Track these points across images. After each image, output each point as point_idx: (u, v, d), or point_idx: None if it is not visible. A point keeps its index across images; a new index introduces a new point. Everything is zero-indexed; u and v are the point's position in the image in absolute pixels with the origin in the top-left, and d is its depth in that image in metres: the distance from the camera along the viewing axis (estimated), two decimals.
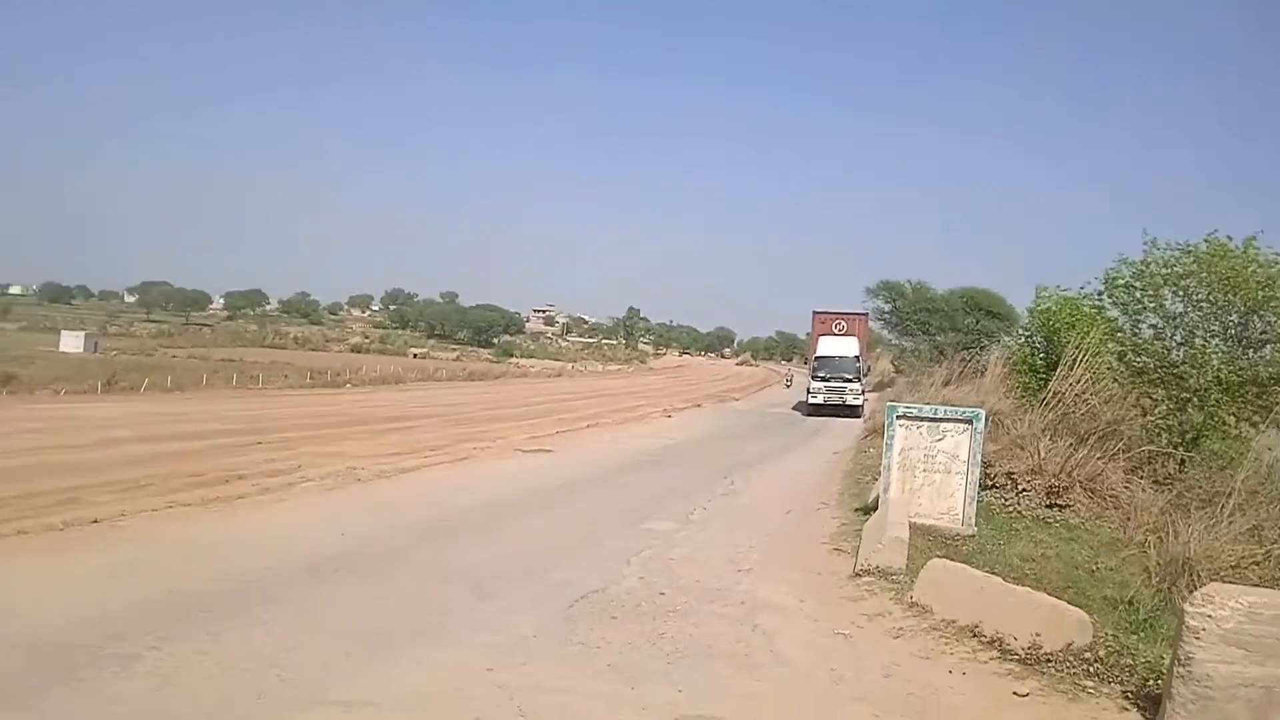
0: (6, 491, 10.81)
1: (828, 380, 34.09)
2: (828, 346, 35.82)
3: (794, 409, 37.22)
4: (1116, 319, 15.43)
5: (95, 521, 9.46)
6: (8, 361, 35.30)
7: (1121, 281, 14.86)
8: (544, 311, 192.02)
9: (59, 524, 9.21)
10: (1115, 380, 14.40)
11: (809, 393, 34.55)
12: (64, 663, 5.39)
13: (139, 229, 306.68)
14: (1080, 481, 11.75)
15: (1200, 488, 11.20)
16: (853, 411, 32.69)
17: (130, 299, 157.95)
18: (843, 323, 38.63)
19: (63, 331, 69.24)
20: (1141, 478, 12.50)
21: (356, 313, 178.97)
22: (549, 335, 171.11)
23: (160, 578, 7.51)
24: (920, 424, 10.69)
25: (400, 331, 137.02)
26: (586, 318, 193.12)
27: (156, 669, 5.38)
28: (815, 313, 39.25)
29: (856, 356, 35.28)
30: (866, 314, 45.42)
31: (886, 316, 56.46)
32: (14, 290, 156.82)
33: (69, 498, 10.67)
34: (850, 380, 34.05)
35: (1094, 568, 8.75)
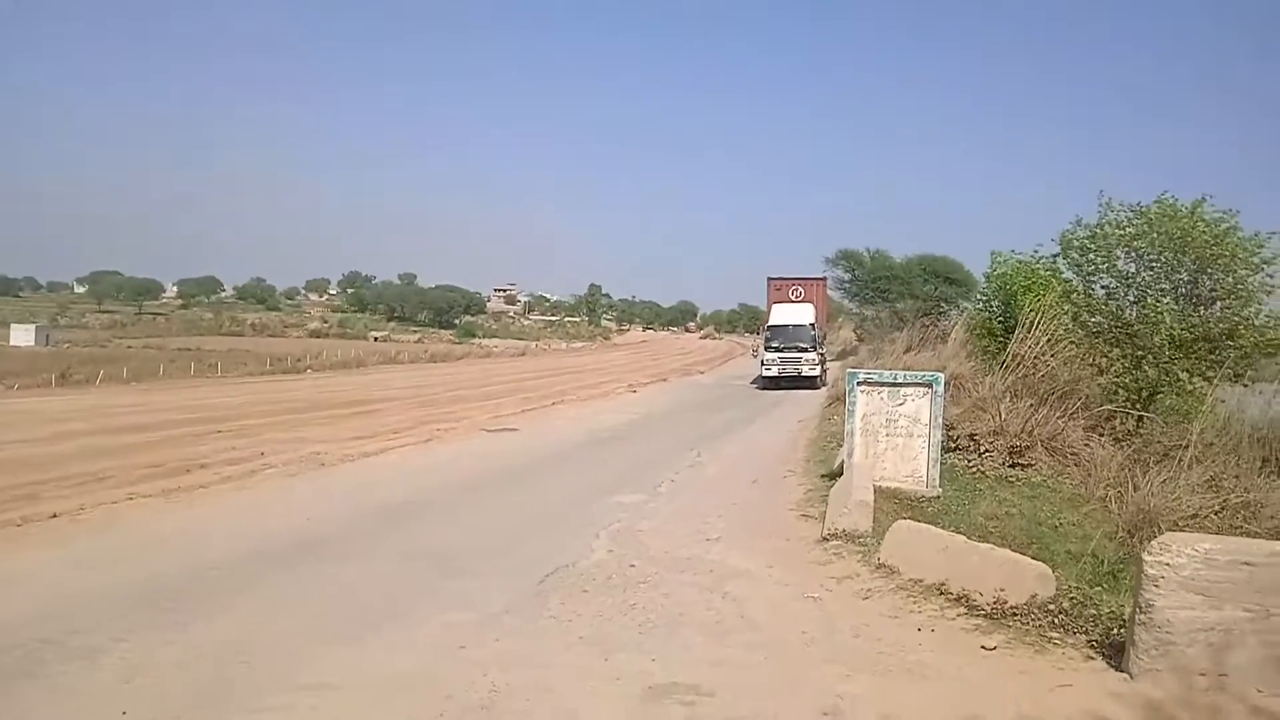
0: None
1: (781, 350, 32.36)
2: (781, 314, 33.97)
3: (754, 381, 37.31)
4: (1071, 281, 15.62)
5: (54, 516, 9.33)
6: None
7: (1076, 243, 15.03)
8: (505, 291, 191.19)
9: (17, 519, 9.07)
10: (1072, 341, 14.58)
11: (762, 365, 33.05)
12: (28, 658, 5.31)
13: (86, 218, 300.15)
14: (1041, 440, 11.91)
15: (1158, 442, 11.42)
16: (810, 383, 31.62)
17: (80, 290, 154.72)
18: (799, 288, 37.21)
19: (13, 325, 67.90)
20: (1101, 435, 12.71)
21: (314, 297, 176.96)
22: (511, 314, 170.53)
23: (123, 570, 7.42)
24: (881, 389, 10.77)
25: (359, 315, 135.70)
26: (548, 296, 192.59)
27: (124, 660, 5.31)
28: (770, 279, 37.99)
29: (812, 324, 33.31)
30: (825, 278, 42.82)
31: (846, 285, 56.82)
32: None
33: (26, 493, 10.49)
34: (806, 349, 32.34)
35: (1057, 523, 8.89)
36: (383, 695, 4.91)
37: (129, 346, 60.18)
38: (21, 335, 62.79)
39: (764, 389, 31.75)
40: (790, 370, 31.96)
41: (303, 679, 5.07)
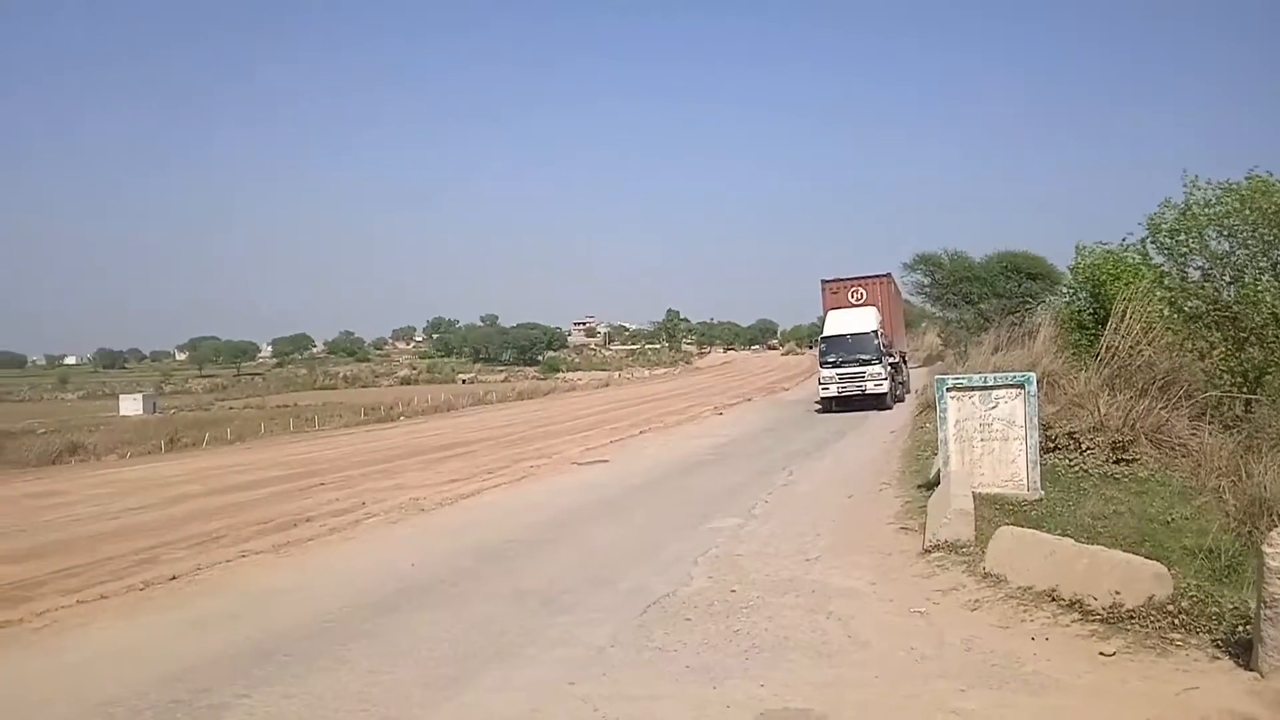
0: (85, 558, 11.15)
1: (839, 365, 27.69)
2: (838, 322, 29.04)
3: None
4: (1163, 265, 15.16)
5: (173, 578, 9.70)
6: (73, 430, 36.36)
7: (1165, 226, 14.60)
8: (584, 324, 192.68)
9: (139, 584, 9.47)
10: (1169, 328, 14.13)
11: (820, 384, 28.35)
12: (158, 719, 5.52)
13: (182, 288, 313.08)
14: (1145, 433, 11.55)
15: (1270, 427, 10.97)
16: (878, 401, 27.18)
17: (181, 356, 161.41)
18: (860, 289, 31.21)
19: (121, 395, 71.03)
20: (1208, 423, 12.25)
21: (401, 345, 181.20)
22: (592, 346, 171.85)
23: (241, 627, 7.69)
24: (972, 394, 10.58)
25: (446, 359, 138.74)
26: (627, 325, 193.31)
27: (250, 715, 5.51)
28: (824, 282, 31.75)
29: (877, 331, 28.14)
30: (889, 276, 34.20)
31: (927, 290, 55.82)
32: (69, 360, 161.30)
33: (146, 557, 10.95)
34: (870, 361, 27.42)
35: (1169, 519, 8.60)
36: None
37: (230, 408, 62.47)
38: (130, 405, 65.56)
39: (822, 412, 27.94)
40: (853, 389, 27.50)
41: None
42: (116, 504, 16.39)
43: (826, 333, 28.81)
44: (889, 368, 28.09)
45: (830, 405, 27.59)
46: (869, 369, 27.34)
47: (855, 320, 28.72)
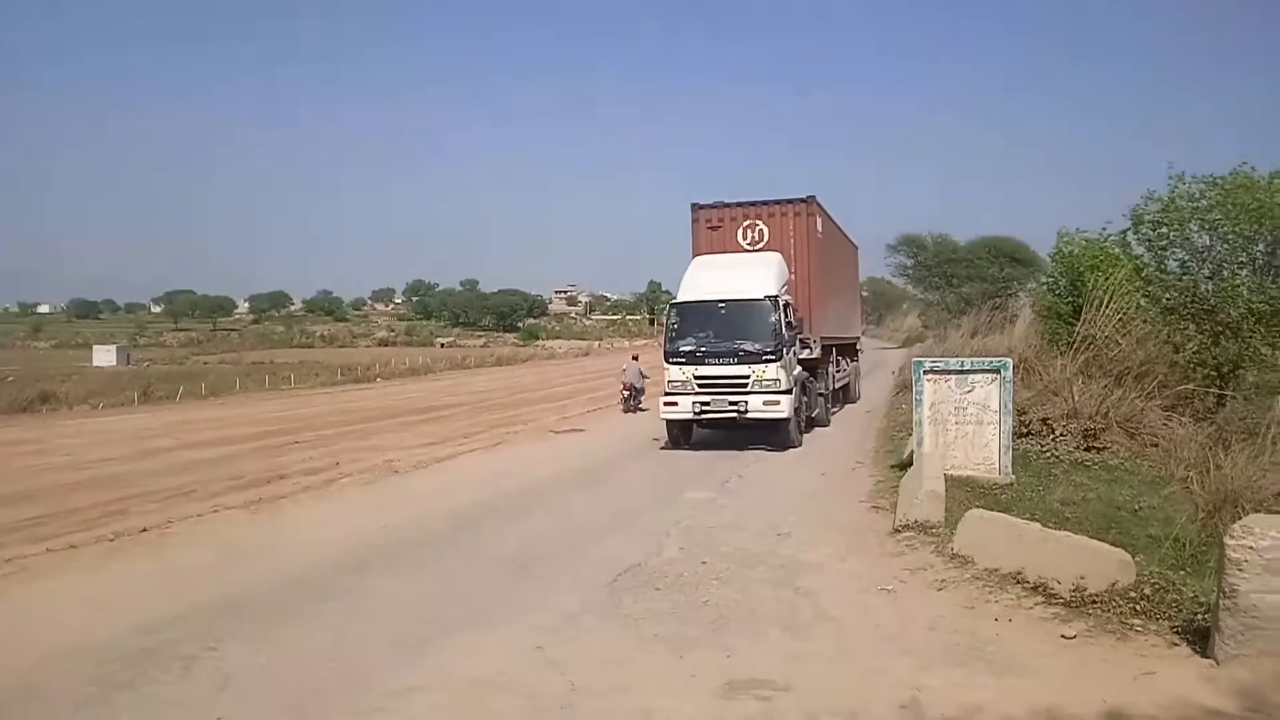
0: (55, 507, 11.09)
1: (702, 360, 15.15)
2: (705, 279, 16.03)
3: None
4: (1142, 257, 15.25)
5: (144, 530, 9.67)
6: (45, 379, 35.96)
7: (1148, 218, 14.67)
8: (566, 292, 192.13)
9: (109, 535, 9.44)
10: (1145, 320, 14.24)
11: (665, 395, 15.49)
12: (124, 669, 5.53)
13: (160, 240, 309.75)
14: (1117, 422, 11.66)
15: (1241, 420, 11.07)
16: (775, 433, 15.15)
17: (157, 309, 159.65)
18: (757, 224, 17.28)
19: (95, 346, 70.24)
20: (1180, 415, 12.37)
21: (380, 307, 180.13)
22: (572, 315, 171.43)
23: (212, 581, 7.68)
24: (948, 377, 10.65)
25: (425, 322, 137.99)
26: (609, 295, 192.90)
27: (217, 669, 5.51)
28: (697, 209, 17.78)
29: (775, 297, 15.19)
30: (811, 200, 17.77)
31: (910, 271, 56.09)
32: (43, 309, 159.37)
33: (117, 509, 10.90)
34: (759, 356, 14.82)
35: (1136, 507, 8.69)
36: (467, 697, 5.02)
37: (205, 363, 62.01)
38: (104, 356, 64.91)
39: (673, 448, 15.64)
40: (724, 407, 14.98)
41: (389, 683, 5.21)
42: (87, 454, 16.28)
43: (682, 297, 16.06)
44: (795, 370, 15.74)
45: (681, 438, 15.74)
46: (756, 371, 14.81)
47: (738, 278, 15.63)
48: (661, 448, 15.50)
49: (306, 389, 36.78)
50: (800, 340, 16.15)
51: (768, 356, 14.69)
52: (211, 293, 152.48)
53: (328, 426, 20.43)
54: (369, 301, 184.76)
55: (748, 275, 15.56)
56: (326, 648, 5.86)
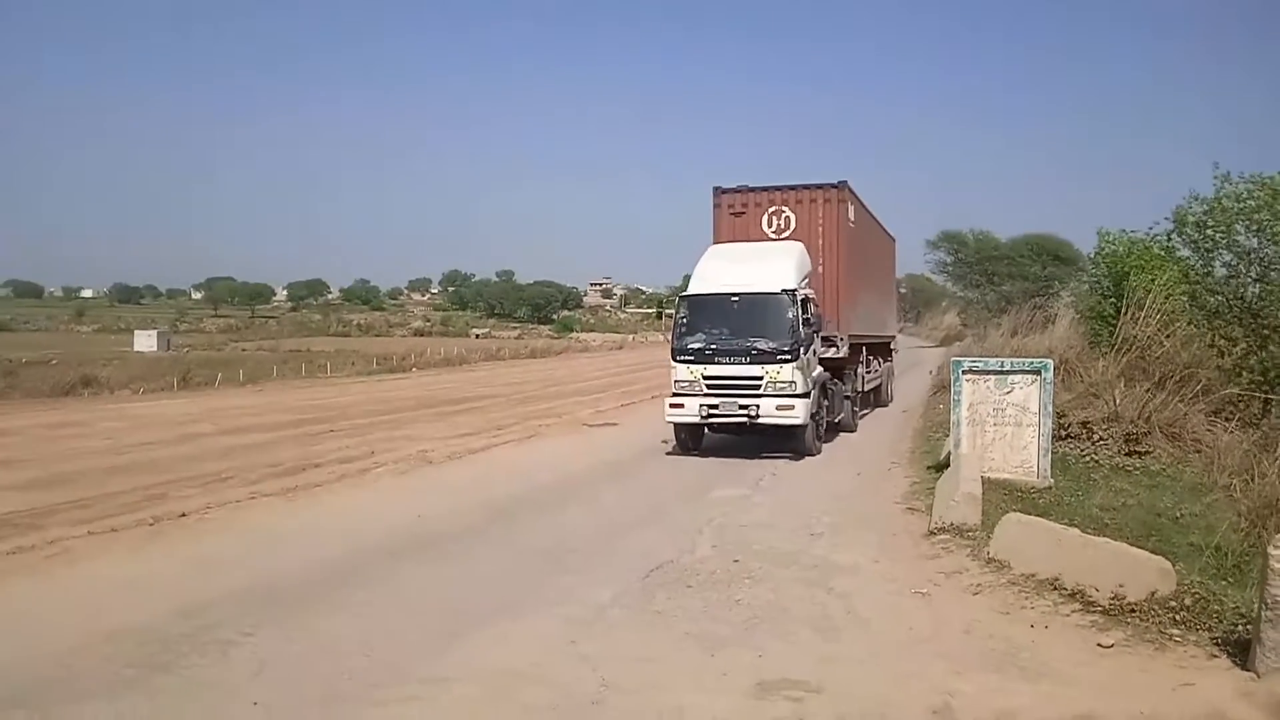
0: (96, 490, 11.26)
1: (712, 359, 14.04)
2: (720, 270, 14.74)
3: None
4: (1188, 258, 14.98)
5: (183, 515, 9.80)
6: (87, 363, 36.52)
7: (1192, 219, 14.41)
8: (601, 284, 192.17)
9: (149, 519, 9.56)
10: (1190, 322, 13.99)
11: (671, 397, 14.37)
12: (162, 653, 5.61)
13: (201, 227, 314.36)
14: (1160, 427, 11.48)
15: None
16: (789, 439, 14.01)
17: (197, 295, 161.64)
18: (784, 211, 16.05)
19: (136, 331, 71.07)
20: (1225, 420, 12.14)
21: (416, 296, 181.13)
22: (607, 308, 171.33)
23: (248, 567, 7.78)
24: (987, 377, 10.54)
25: (460, 312, 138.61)
26: (644, 288, 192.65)
27: (253, 654, 5.57)
28: (720, 193, 16.56)
29: (794, 291, 13.84)
30: (843, 186, 16.34)
31: (950, 268, 55.51)
32: (86, 293, 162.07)
33: (157, 493, 11.06)
34: (774, 355, 13.61)
35: (1178, 514, 8.55)
36: (497, 688, 5.04)
37: (243, 349, 62.63)
38: (144, 341, 65.71)
39: (681, 454, 14.64)
40: (732, 411, 13.80)
41: (421, 672, 5.25)
42: (128, 439, 16.52)
43: (691, 289, 14.88)
44: (815, 370, 14.49)
45: (690, 443, 14.71)
46: (770, 372, 13.61)
47: (753, 269, 14.36)
48: (668, 453, 14.66)
49: (343, 377, 37.07)
50: (824, 338, 14.98)
51: (783, 356, 13.49)
52: (251, 280, 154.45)
53: (363, 415, 20.59)
54: (405, 291, 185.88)
55: (765, 267, 14.28)
56: (359, 636, 5.91)
